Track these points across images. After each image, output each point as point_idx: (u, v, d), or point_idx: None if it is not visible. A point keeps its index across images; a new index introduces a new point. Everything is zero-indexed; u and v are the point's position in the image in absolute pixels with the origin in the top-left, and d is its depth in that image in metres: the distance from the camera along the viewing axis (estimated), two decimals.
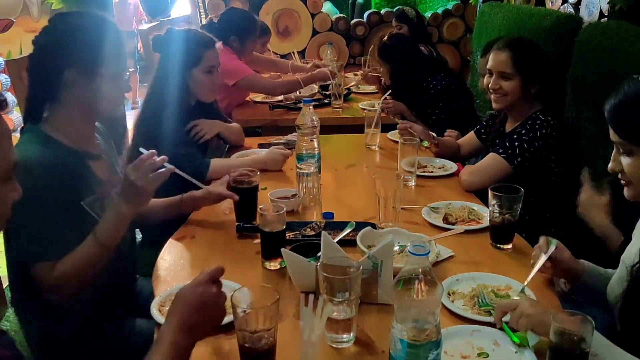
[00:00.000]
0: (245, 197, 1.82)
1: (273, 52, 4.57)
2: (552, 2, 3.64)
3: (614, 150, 1.32)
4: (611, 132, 1.29)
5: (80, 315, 1.56)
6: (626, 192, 1.33)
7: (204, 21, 3.52)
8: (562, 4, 3.48)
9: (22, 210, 1.30)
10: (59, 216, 1.45)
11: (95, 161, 1.63)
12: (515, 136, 2.11)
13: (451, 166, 2.34)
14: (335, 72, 3.49)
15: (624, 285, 1.36)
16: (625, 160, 1.28)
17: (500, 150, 2.11)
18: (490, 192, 1.68)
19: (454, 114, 3.12)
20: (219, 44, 3.35)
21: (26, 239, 1.43)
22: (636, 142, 1.25)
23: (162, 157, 1.50)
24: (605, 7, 2.89)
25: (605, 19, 2.87)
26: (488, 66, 2.23)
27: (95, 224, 1.49)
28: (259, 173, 1.89)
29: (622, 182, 1.32)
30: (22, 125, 1.59)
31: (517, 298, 1.26)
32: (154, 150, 1.51)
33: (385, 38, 3.29)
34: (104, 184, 1.62)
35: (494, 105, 2.24)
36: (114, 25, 1.61)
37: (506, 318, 1.26)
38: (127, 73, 1.64)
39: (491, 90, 2.21)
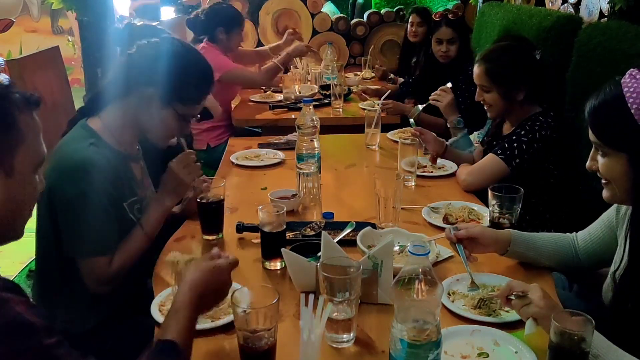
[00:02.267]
0: (211, 212, 1.75)
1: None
2: (552, 2, 3.64)
3: (592, 149, 1.32)
4: (590, 131, 1.29)
5: (100, 310, 1.64)
6: (605, 193, 1.33)
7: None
8: (562, 4, 3.48)
9: (82, 210, 1.51)
10: (112, 214, 1.58)
11: (135, 163, 1.75)
12: (514, 137, 2.10)
13: (451, 166, 2.34)
14: (311, 48, 3.48)
15: (610, 293, 1.36)
16: (600, 160, 1.29)
17: (499, 152, 2.10)
18: (490, 192, 1.69)
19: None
20: (204, 42, 3.36)
21: (86, 236, 1.53)
22: (611, 145, 1.25)
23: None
24: (605, 7, 2.89)
25: (605, 19, 2.86)
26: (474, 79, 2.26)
27: (130, 224, 1.63)
28: (224, 183, 1.80)
29: (603, 182, 1.33)
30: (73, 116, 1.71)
31: (531, 284, 1.25)
32: (191, 150, 1.73)
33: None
34: (141, 186, 1.74)
35: (488, 115, 2.28)
36: (211, 70, 1.75)
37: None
38: (194, 118, 1.76)
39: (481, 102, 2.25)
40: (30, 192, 1.05)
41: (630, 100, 1.17)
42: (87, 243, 1.54)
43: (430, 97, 2.76)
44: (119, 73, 1.69)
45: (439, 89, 2.78)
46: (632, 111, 1.17)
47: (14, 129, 0.99)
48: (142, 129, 1.70)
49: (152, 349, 1.06)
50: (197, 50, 1.83)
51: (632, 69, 1.22)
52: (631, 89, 1.18)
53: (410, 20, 4.19)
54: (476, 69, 2.20)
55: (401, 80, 4.12)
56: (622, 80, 1.22)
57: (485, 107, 2.24)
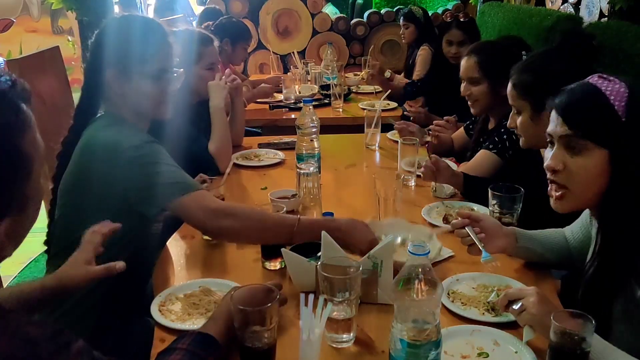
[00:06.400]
0: None
1: (273, 52, 4.58)
2: (552, 2, 3.65)
3: (556, 147, 1.25)
4: (559, 127, 1.23)
5: (97, 314, 1.59)
6: (558, 203, 1.28)
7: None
8: (562, 4, 3.49)
9: (156, 154, 1.50)
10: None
11: None
12: (502, 130, 2.13)
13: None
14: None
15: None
16: (570, 160, 1.22)
17: (491, 146, 2.13)
18: (490, 192, 1.68)
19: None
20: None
21: (177, 175, 1.50)
22: (593, 139, 1.19)
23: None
24: (605, 7, 2.89)
25: (605, 19, 2.87)
26: (460, 74, 2.31)
27: None
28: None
29: (558, 190, 1.27)
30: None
31: (528, 288, 1.25)
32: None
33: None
34: None
35: (472, 111, 2.31)
36: (158, 25, 1.67)
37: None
38: (174, 73, 1.66)
39: (466, 97, 2.29)
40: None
41: (612, 97, 1.17)
42: (180, 181, 1.47)
43: (432, 128, 2.63)
44: (89, 69, 1.64)
45: (445, 118, 2.73)
46: (616, 108, 1.17)
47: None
48: (136, 112, 1.63)
49: (193, 337, 1.09)
50: (134, 17, 1.74)
51: (592, 76, 1.23)
52: (608, 89, 1.18)
53: (400, 24, 4.28)
54: (466, 62, 2.25)
55: (398, 77, 4.13)
56: (591, 81, 1.22)
57: (469, 103, 2.28)
